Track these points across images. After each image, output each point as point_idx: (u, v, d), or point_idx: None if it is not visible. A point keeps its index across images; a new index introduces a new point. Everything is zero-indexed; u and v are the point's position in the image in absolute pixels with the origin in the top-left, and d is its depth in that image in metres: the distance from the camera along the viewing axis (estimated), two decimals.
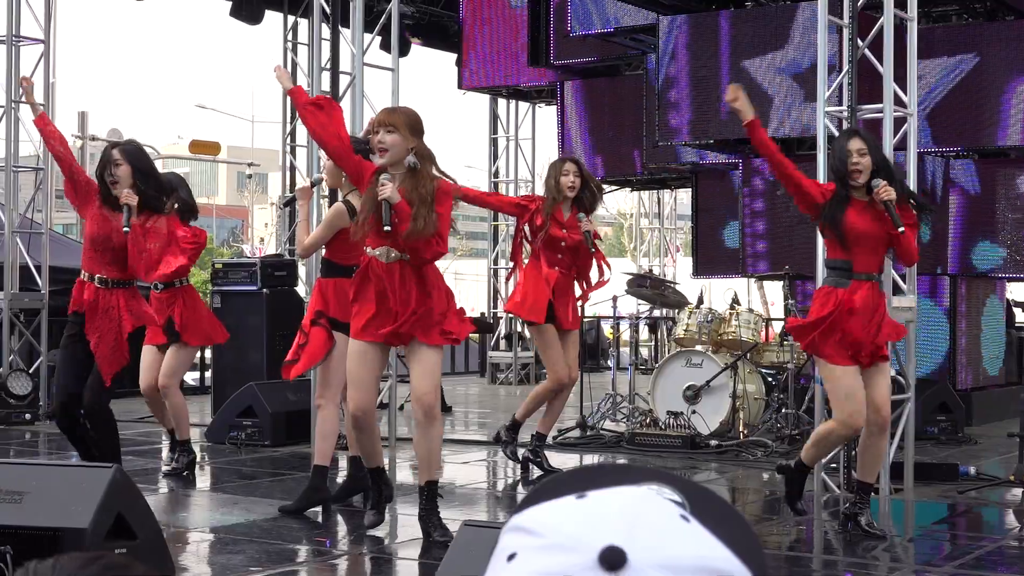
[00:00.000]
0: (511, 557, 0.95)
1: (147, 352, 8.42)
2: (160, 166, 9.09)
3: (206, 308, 8.81)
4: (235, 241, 67.78)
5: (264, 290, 11.25)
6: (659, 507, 0.95)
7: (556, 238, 8.20)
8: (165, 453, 9.23)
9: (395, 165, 6.08)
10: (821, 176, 8.05)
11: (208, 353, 13.94)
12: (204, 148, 30.26)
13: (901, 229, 6.27)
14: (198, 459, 8.92)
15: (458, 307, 6.33)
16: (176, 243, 8.01)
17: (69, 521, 4.63)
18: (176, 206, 8.27)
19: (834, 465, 8.01)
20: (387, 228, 5.95)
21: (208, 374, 14.10)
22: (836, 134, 8.06)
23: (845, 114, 8.07)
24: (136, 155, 7.07)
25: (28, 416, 11.54)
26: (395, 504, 7.72)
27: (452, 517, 7.16)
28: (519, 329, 17.52)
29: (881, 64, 8.03)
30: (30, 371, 11.85)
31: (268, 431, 9.82)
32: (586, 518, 0.94)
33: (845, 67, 8.14)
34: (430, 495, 6.34)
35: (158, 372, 8.51)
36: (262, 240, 57.18)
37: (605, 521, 0.93)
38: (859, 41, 8.10)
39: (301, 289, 12.14)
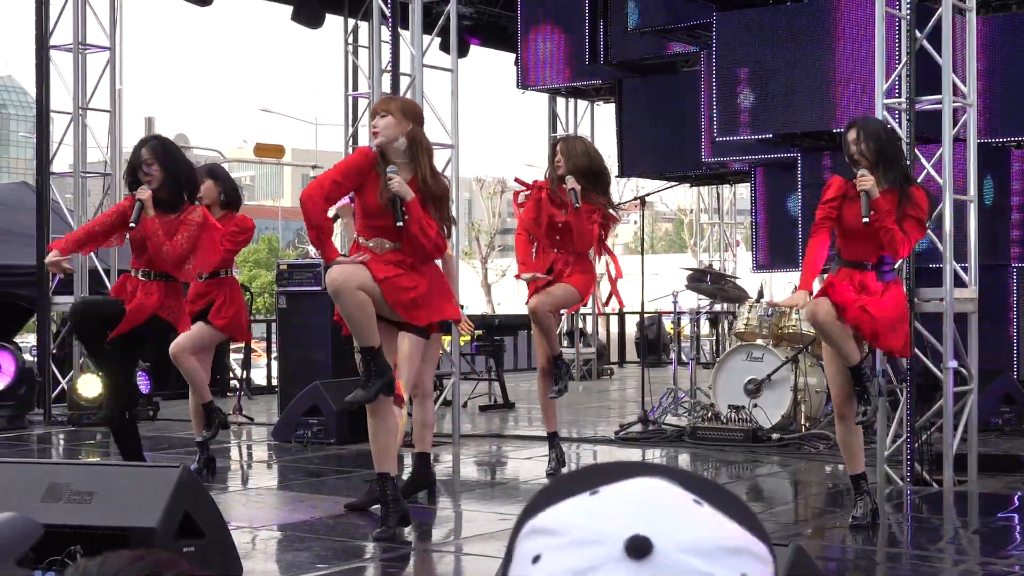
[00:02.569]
0: (536, 559, 0.96)
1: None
2: (227, 170, 9.21)
3: (243, 304, 8.78)
4: (300, 242, 68.23)
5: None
6: (673, 495, 0.98)
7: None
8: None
9: (393, 151, 6.17)
10: None
11: (275, 353, 14.10)
12: (269, 151, 30.56)
13: (866, 220, 6.28)
14: (224, 423, 8.81)
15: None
16: (210, 233, 7.86)
17: (138, 521, 4.73)
18: (222, 197, 8.44)
19: (898, 458, 7.99)
20: (399, 224, 6.03)
21: (274, 373, 14.27)
22: (895, 126, 8.05)
23: (904, 106, 8.04)
24: (165, 151, 7.26)
25: (98, 417, 11.73)
26: (459, 499, 7.81)
27: (516, 512, 7.23)
28: (581, 326, 17.57)
29: (940, 55, 7.99)
30: (100, 373, 12.03)
31: (334, 429, 9.94)
32: (605, 511, 0.96)
33: (903, 59, 8.11)
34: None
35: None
36: None
37: (624, 512, 0.95)
38: (917, 32, 8.07)
39: None
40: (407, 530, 6.45)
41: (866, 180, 6.32)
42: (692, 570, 0.92)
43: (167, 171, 7.18)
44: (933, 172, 8.02)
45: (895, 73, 8.17)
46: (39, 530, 3.87)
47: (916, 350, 7.88)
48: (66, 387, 12.13)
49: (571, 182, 8.01)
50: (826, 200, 6.53)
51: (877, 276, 6.42)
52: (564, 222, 8.02)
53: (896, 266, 6.65)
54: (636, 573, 0.92)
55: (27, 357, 12.57)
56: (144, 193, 7.13)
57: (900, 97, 8.08)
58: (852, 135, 6.45)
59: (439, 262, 6.64)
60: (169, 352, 8.42)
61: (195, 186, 7.48)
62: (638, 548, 0.92)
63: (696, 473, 1.07)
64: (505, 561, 1.00)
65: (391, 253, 6.14)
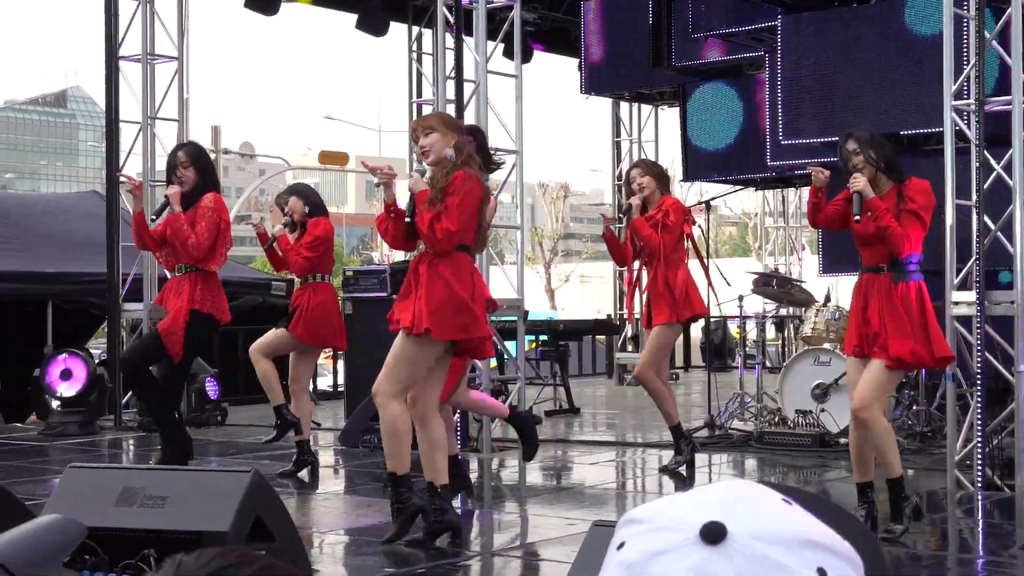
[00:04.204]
0: (621, 546, 1.01)
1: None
2: (291, 177, 9.47)
3: (335, 310, 8.96)
4: (364, 249, 68.66)
5: (394, 296, 11.40)
6: (760, 491, 1.01)
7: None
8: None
9: (440, 163, 6.20)
10: (949, 169, 7.96)
11: (341, 359, 14.19)
12: (333, 159, 30.76)
13: (857, 218, 6.36)
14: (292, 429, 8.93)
15: (460, 304, 6.11)
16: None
17: (210, 524, 4.78)
18: (307, 209, 8.82)
19: (968, 462, 7.90)
20: (408, 220, 6.17)
21: (341, 379, 14.36)
22: (964, 129, 7.97)
23: (973, 107, 7.96)
24: (200, 157, 7.86)
25: None
26: (526, 504, 7.82)
27: (582, 517, 7.23)
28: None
29: (1009, 55, 7.90)
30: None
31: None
32: (690, 503, 1.00)
33: (972, 59, 8.03)
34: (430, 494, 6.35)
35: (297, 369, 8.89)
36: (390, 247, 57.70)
37: (707, 503, 0.99)
38: (987, 32, 7.99)
39: None
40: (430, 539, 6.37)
41: (858, 181, 6.37)
42: (764, 558, 0.95)
43: (200, 175, 7.70)
44: (1004, 174, 7.94)
45: (964, 74, 8.09)
46: (83, 532, 3.93)
47: (987, 354, 7.80)
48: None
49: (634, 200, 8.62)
50: (834, 200, 6.73)
51: (893, 278, 6.37)
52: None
53: (916, 265, 6.49)
54: (708, 557, 0.95)
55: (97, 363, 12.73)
56: (171, 190, 7.64)
57: (969, 98, 8.00)
58: (851, 145, 6.48)
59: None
60: (249, 352, 8.77)
61: (216, 186, 7.92)
62: (712, 533, 0.95)
63: (805, 492, 1.08)
64: None
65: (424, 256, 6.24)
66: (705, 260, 9.19)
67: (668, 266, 8.59)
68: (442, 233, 6.02)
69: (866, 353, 6.37)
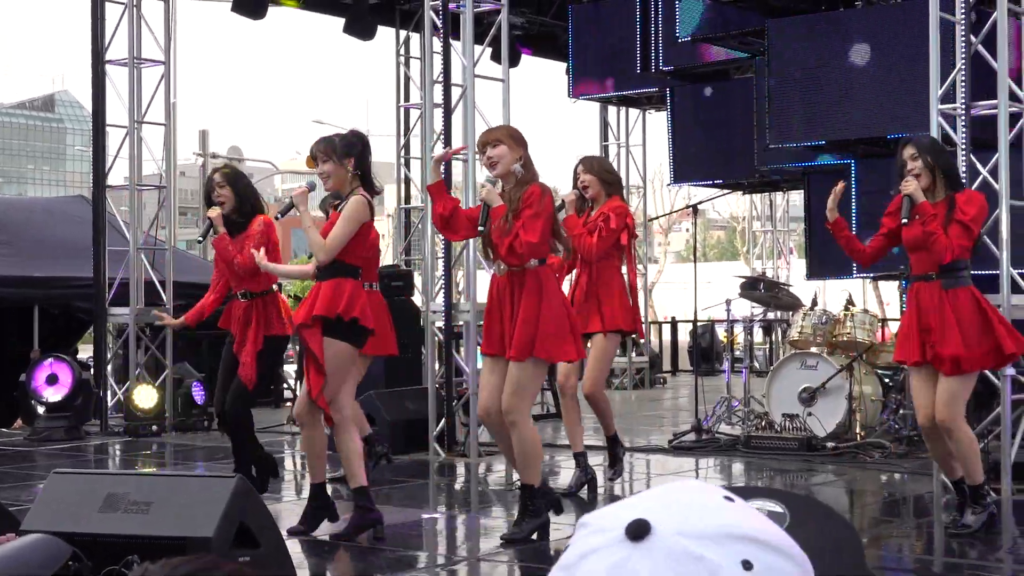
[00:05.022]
0: (564, 550, 1.04)
1: None
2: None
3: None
4: None
5: None
6: (700, 491, 1.02)
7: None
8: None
9: (506, 176, 6.37)
10: None
11: None
12: None
13: (904, 220, 6.42)
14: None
15: (562, 324, 6.39)
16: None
17: (194, 531, 4.77)
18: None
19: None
20: (480, 229, 6.36)
21: None
22: (950, 133, 7.98)
23: (959, 112, 7.98)
24: (235, 177, 7.91)
25: (154, 428, 11.84)
26: (512, 509, 7.79)
27: (568, 521, 7.22)
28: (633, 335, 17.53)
29: (995, 60, 7.92)
30: (156, 384, 12.15)
31: (387, 439, 9.96)
32: (629, 503, 1.02)
33: (958, 64, 8.04)
34: (520, 495, 6.62)
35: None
36: None
37: (644, 503, 1.01)
38: (972, 37, 8.00)
39: (417, 299, 12.29)
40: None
41: (909, 184, 6.42)
42: (684, 552, 0.96)
43: (237, 194, 7.74)
44: (990, 178, 7.95)
45: (950, 78, 8.10)
46: (68, 552, 3.92)
47: None
48: (122, 398, 12.24)
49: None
50: (887, 213, 6.70)
51: (943, 285, 6.40)
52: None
53: (965, 271, 6.53)
54: (629, 554, 0.97)
55: (84, 368, 12.70)
56: (213, 212, 7.71)
57: (955, 103, 8.02)
58: (909, 151, 6.51)
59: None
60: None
61: (260, 210, 7.90)
62: (635, 530, 0.98)
63: (797, 495, 1.08)
64: None
65: (504, 277, 6.43)
66: (636, 274, 8.57)
67: (598, 272, 8.01)
68: (523, 247, 6.24)
69: (929, 361, 6.44)
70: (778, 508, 1.03)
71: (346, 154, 6.62)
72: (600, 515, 1.02)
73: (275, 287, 8.02)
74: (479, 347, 10.43)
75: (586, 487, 8.16)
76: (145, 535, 4.78)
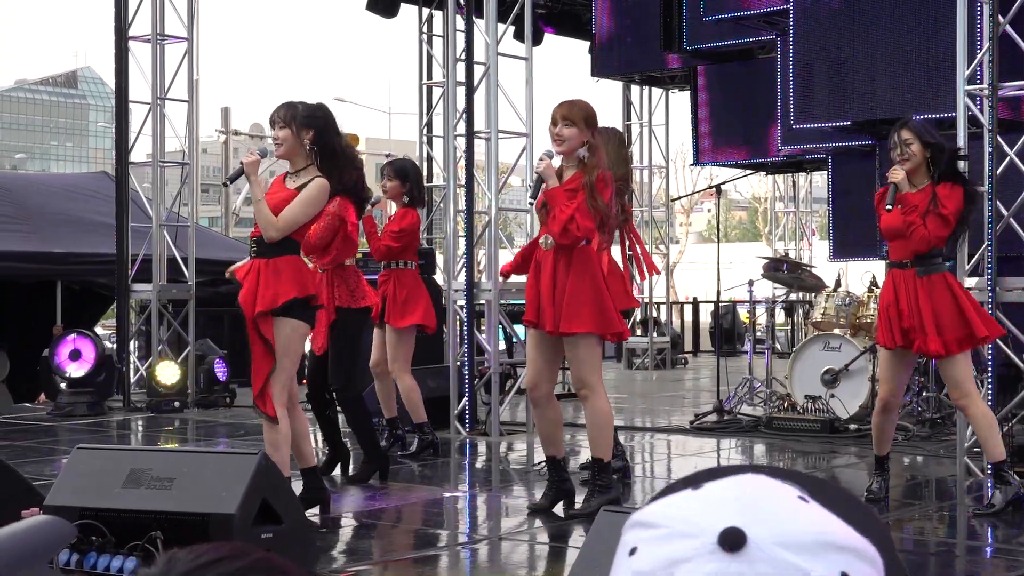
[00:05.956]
0: (632, 551, 0.96)
1: (377, 332, 8.83)
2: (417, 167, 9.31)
3: (423, 292, 8.83)
4: None
5: None
6: (776, 489, 0.96)
7: None
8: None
9: (568, 157, 6.43)
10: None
11: None
12: None
13: (889, 207, 6.57)
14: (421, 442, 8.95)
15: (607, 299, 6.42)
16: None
17: (217, 507, 4.77)
18: (406, 200, 8.72)
19: (977, 449, 7.87)
20: (531, 201, 6.43)
21: None
22: (977, 114, 7.92)
23: (986, 92, 7.91)
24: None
25: (176, 404, 11.88)
26: (533, 489, 7.80)
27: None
28: (655, 315, 17.51)
29: (1023, 40, 7.85)
30: (178, 360, 12.19)
31: (407, 418, 9.95)
32: (703, 505, 0.95)
33: (986, 44, 7.97)
34: (590, 469, 6.72)
35: (383, 351, 8.79)
36: None
37: (723, 506, 0.94)
38: (1000, 17, 7.93)
39: (439, 277, 12.28)
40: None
41: (896, 173, 6.60)
42: (786, 564, 0.91)
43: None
44: (1016, 159, 7.88)
45: (977, 59, 8.03)
46: (73, 533, 3.91)
47: (998, 341, 7.76)
48: (145, 374, 12.28)
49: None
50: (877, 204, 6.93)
51: (918, 272, 6.64)
52: None
53: (943, 259, 6.79)
54: (728, 565, 0.91)
55: (107, 344, 12.75)
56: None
57: (982, 83, 7.95)
58: (906, 135, 6.66)
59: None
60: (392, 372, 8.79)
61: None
62: (731, 540, 0.91)
63: (815, 476, 1.04)
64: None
65: (549, 252, 6.41)
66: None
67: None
68: (582, 231, 6.26)
69: (907, 347, 6.67)
70: (794, 490, 1.00)
71: (305, 125, 6.36)
72: (668, 515, 0.95)
73: (351, 261, 7.85)
74: (500, 325, 10.45)
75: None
76: (168, 511, 4.79)
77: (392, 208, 8.82)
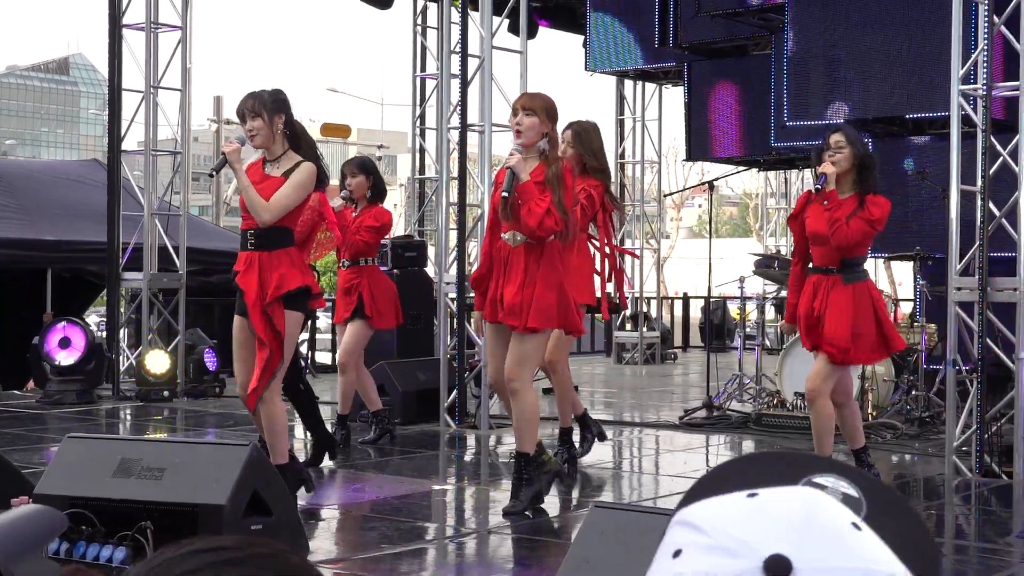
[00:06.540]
0: (677, 553, 0.94)
1: (339, 330, 8.95)
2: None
3: (391, 289, 8.96)
4: None
5: (395, 271, 11.40)
6: (831, 514, 0.94)
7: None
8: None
9: (529, 149, 6.38)
10: (955, 154, 7.93)
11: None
12: (335, 131, 30.70)
13: (818, 187, 6.70)
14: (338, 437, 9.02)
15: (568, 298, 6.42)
16: (333, 222, 8.18)
17: (207, 498, 4.77)
18: (369, 195, 8.78)
19: (966, 449, 7.90)
20: (505, 194, 6.26)
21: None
22: (971, 114, 7.93)
23: (980, 92, 7.92)
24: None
25: (166, 393, 11.86)
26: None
27: (577, 496, 7.24)
28: (644, 309, 17.52)
29: (1018, 41, 7.86)
30: (168, 349, 12.17)
31: (399, 409, 9.97)
32: (755, 521, 0.93)
33: (980, 44, 7.98)
34: (516, 464, 6.57)
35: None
36: None
37: (774, 526, 0.92)
38: (995, 17, 7.94)
39: (430, 269, 12.28)
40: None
41: (828, 167, 6.72)
42: None
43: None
44: (1010, 160, 7.90)
45: (971, 59, 8.04)
46: (65, 523, 3.91)
47: (988, 340, 7.78)
48: (134, 363, 12.27)
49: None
50: (791, 217, 7.11)
51: (844, 280, 6.78)
52: None
53: (863, 268, 7.01)
54: None
55: (96, 332, 12.72)
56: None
57: (976, 83, 7.96)
58: (837, 138, 6.80)
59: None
60: (339, 362, 8.96)
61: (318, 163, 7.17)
62: (777, 568, 0.90)
63: (872, 478, 1.02)
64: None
65: (521, 248, 6.36)
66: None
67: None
68: (558, 225, 6.22)
69: (817, 346, 6.86)
70: (853, 492, 0.98)
71: (276, 110, 6.37)
72: (718, 524, 0.93)
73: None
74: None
75: (566, 464, 8.05)
76: (158, 501, 4.79)
77: (337, 203, 8.76)
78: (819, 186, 6.72)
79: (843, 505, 0.96)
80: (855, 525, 0.94)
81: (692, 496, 1.00)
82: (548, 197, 6.22)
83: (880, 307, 6.89)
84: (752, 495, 0.96)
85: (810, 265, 6.98)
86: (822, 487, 1.02)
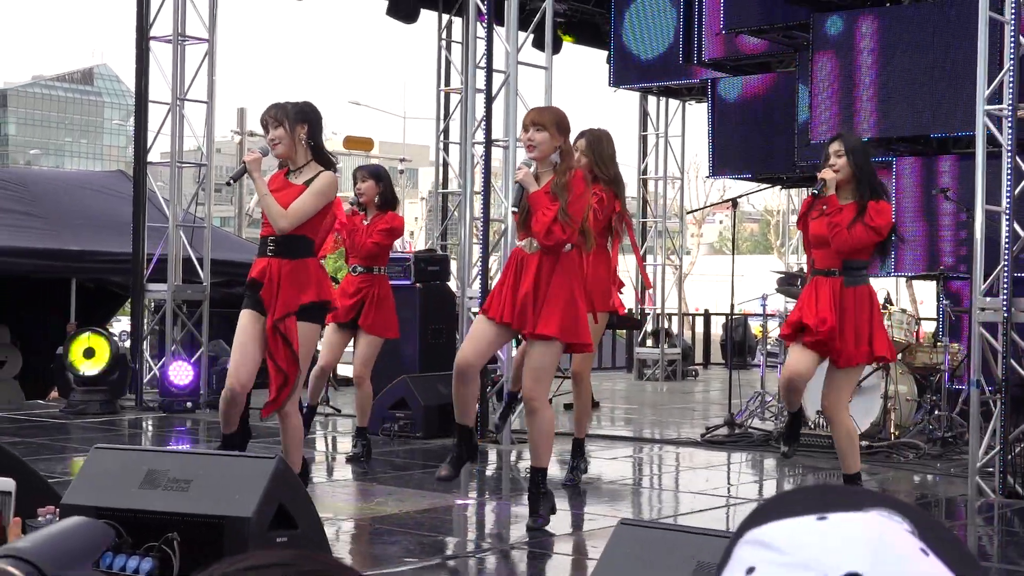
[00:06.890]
0: (750, 570, 0.95)
1: (337, 334, 8.84)
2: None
3: (391, 301, 8.97)
4: None
5: (417, 284, 11.42)
6: (901, 538, 0.96)
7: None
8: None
9: (542, 162, 6.39)
10: (980, 174, 7.92)
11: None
12: (358, 144, 30.79)
13: (815, 191, 6.77)
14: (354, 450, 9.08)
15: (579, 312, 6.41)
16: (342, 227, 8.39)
17: (234, 510, 4.79)
18: (378, 201, 8.82)
19: (990, 469, 7.87)
20: (514, 210, 6.36)
21: None
22: (996, 134, 7.93)
23: (1006, 112, 7.92)
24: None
25: (189, 404, 11.91)
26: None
27: (600, 512, 7.25)
28: (665, 326, 17.51)
29: None
30: (191, 360, 12.22)
31: (420, 423, 9.99)
32: (829, 541, 0.94)
33: (1007, 64, 7.98)
34: (532, 480, 6.56)
35: (336, 353, 8.88)
36: (412, 234, 57.84)
37: (849, 546, 0.93)
38: (1022, 38, 7.94)
39: (453, 284, 12.31)
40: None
41: (827, 172, 6.74)
42: None
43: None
44: None
45: (997, 79, 8.04)
46: (112, 535, 3.94)
47: (1012, 361, 7.76)
48: (158, 373, 12.31)
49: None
50: (799, 218, 7.15)
51: (846, 282, 6.78)
52: None
53: (865, 272, 7.01)
54: None
55: (120, 343, 12.78)
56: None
57: (1002, 103, 7.96)
58: (836, 147, 6.81)
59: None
60: (354, 376, 8.94)
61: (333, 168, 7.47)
62: None
63: (923, 512, 1.04)
64: (722, 562, 1.00)
65: (534, 255, 6.37)
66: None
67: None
68: (568, 235, 6.24)
69: (819, 352, 6.84)
70: (907, 527, 1.00)
71: (299, 120, 6.45)
72: (793, 542, 0.94)
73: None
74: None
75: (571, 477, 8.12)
76: (185, 512, 4.81)
77: (346, 209, 8.86)
78: (816, 191, 6.79)
79: (908, 532, 0.98)
80: (923, 551, 0.96)
81: (758, 518, 1.00)
82: (556, 207, 6.24)
83: (876, 314, 6.88)
84: (822, 518, 0.97)
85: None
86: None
